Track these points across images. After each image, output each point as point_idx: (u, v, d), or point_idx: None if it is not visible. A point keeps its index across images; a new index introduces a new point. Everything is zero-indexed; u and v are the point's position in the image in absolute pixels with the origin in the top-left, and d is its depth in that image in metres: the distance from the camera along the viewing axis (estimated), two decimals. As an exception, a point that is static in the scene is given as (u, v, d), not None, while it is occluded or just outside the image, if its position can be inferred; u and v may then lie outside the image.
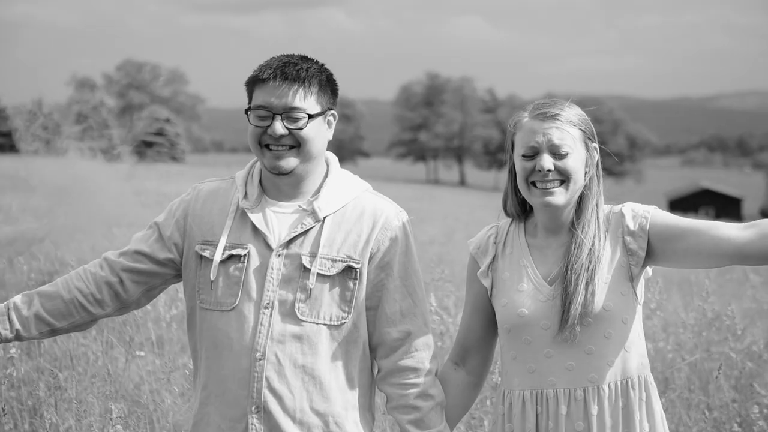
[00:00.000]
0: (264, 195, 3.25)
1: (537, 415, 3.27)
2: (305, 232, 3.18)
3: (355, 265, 3.19)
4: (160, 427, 5.48)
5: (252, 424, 3.12)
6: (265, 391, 3.11)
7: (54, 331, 3.25)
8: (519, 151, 3.22)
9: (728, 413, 6.21)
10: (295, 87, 3.12)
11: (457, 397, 3.40)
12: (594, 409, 3.21)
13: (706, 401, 6.38)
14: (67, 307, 3.22)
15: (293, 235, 3.16)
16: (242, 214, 3.22)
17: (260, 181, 3.28)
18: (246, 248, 3.17)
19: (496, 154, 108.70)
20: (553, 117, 3.18)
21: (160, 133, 78.47)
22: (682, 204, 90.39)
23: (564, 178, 3.16)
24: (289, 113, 3.12)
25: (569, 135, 3.17)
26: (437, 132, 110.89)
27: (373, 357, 3.31)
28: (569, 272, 3.18)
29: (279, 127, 3.11)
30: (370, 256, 3.23)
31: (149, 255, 3.27)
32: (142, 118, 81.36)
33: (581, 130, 3.22)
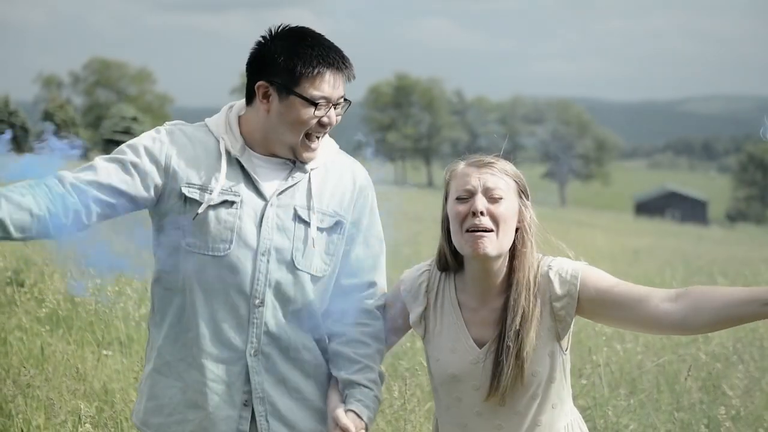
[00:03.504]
0: (246, 147, 3.26)
1: None
2: (295, 184, 3.26)
3: (343, 221, 3.32)
4: (129, 426, 5.46)
5: (252, 366, 3.20)
6: (264, 336, 3.20)
7: (6, 239, 3.09)
8: (453, 195, 3.22)
9: (695, 414, 6.25)
10: (349, 75, 3.28)
11: None
12: None
13: (674, 402, 6.43)
14: (31, 221, 3.04)
15: (286, 186, 3.23)
16: (230, 162, 3.22)
17: (240, 132, 3.29)
18: (239, 195, 3.19)
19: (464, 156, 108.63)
20: (489, 164, 3.22)
21: (127, 131, 78.13)
22: (648, 207, 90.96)
23: (495, 225, 3.15)
24: (338, 102, 3.24)
25: (503, 182, 3.19)
26: (405, 133, 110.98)
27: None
28: (501, 343, 3.20)
29: (334, 116, 3.25)
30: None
31: (125, 192, 3.16)
32: (109, 116, 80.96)
33: (515, 181, 3.24)
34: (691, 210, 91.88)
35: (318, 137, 3.24)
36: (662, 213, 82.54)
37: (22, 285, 8.18)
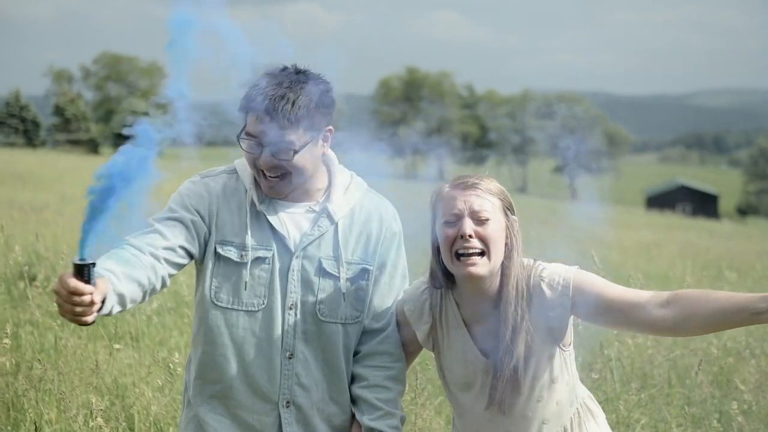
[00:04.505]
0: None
1: None
2: (321, 235, 3.29)
3: (369, 267, 3.36)
4: (139, 419, 5.47)
5: (284, 417, 3.28)
6: (296, 387, 3.28)
7: (120, 312, 3.09)
8: (441, 219, 3.26)
9: (707, 409, 6.24)
10: (282, 123, 3.12)
11: None
12: None
13: (686, 397, 6.41)
14: (141, 294, 3.06)
15: (312, 238, 3.27)
16: (257, 214, 3.25)
17: None
18: (271, 250, 3.24)
19: (475, 150, 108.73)
20: (473, 186, 3.26)
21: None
22: (658, 201, 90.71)
23: (484, 246, 3.20)
24: (276, 146, 3.15)
25: (489, 203, 3.24)
26: (416, 127, 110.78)
27: None
28: (499, 354, 3.28)
29: (267, 159, 3.15)
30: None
31: (190, 251, 3.23)
32: (120, 110, 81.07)
33: (500, 199, 3.29)
34: (701, 204, 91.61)
35: (271, 175, 3.19)
36: (673, 207, 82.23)
37: (33, 279, 8.20)
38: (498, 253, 3.23)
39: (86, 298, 2.65)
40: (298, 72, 3.21)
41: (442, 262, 3.30)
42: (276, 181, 3.20)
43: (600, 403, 6.04)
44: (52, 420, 5.33)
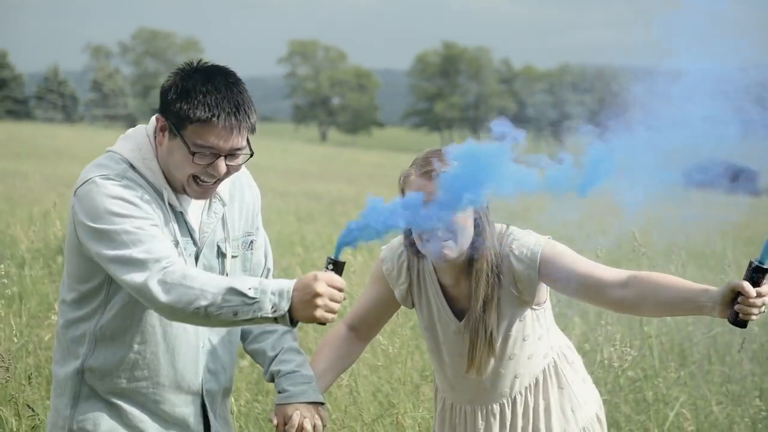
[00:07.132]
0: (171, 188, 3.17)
1: (455, 427, 3.69)
2: (217, 220, 3.26)
3: (253, 237, 3.38)
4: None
5: (205, 404, 3.30)
6: (206, 374, 3.28)
7: None
8: None
9: (747, 386, 6.20)
10: (243, 129, 3.06)
11: (343, 350, 3.65)
12: (508, 416, 3.60)
13: (726, 374, 6.37)
14: None
15: (212, 226, 3.23)
16: (174, 212, 3.16)
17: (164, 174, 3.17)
18: (195, 245, 3.20)
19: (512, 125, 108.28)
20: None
21: (175, 101, 78.31)
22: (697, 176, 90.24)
23: (452, 232, 3.31)
24: (233, 153, 3.07)
25: None
26: (452, 102, 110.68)
27: None
28: (471, 322, 3.46)
29: (223, 167, 3.07)
30: None
31: None
32: (157, 86, 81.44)
33: None
34: (741, 180, 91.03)
35: (209, 182, 3.09)
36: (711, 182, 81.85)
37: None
38: (466, 235, 3.35)
39: (343, 295, 2.75)
40: (222, 70, 3.12)
41: (413, 242, 3.44)
42: (212, 185, 3.12)
43: (639, 380, 6.03)
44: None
